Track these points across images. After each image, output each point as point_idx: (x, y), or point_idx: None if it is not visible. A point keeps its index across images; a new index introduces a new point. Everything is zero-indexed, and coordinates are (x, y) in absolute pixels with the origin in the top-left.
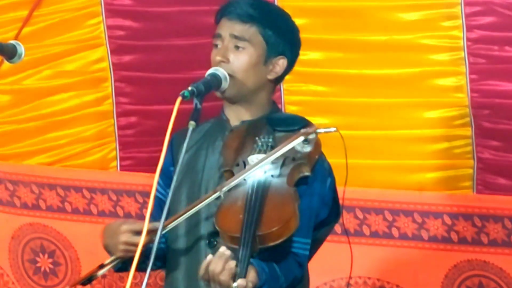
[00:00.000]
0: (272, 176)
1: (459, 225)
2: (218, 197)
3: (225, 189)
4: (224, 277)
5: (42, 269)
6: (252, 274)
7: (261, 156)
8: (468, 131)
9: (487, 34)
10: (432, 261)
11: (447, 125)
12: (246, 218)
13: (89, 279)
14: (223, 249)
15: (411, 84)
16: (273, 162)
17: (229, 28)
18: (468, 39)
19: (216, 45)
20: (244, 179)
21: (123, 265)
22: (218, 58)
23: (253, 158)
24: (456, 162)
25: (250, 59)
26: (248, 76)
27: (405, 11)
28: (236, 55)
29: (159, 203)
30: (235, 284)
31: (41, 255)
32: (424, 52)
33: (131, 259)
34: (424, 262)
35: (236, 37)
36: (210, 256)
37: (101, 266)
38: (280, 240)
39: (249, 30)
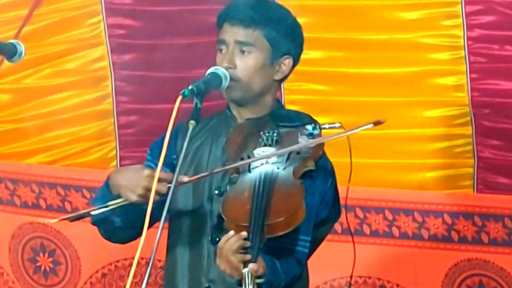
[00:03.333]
0: (278, 168)
1: (459, 224)
2: (222, 193)
3: (233, 166)
4: (235, 257)
5: (42, 268)
6: (261, 261)
7: (267, 149)
8: (469, 130)
9: (488, 33)
10: (432, 260)
11: (448, 124)
12: (254, 208)
13: (82, 217)
14: (244, 233)
15: (412, 83)
16: (278, 156)
17: (232, 33)
18: (469, 38)
19: (220, 50)
20: (250, 171)
21: (101, 214)
22: (225, 64)
23: (259, 151)
24: (456, 161)
25: (256, 62)
26: (255, 80)
27: (405, 10)
28: (242, 60)
29: None
30: (246, 269)
31: (41, 254)
32: (424, 51)
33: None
34: (425, 261)
35: (240, 42)
36: (232, 232)
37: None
38: (287, 230)
39: (253, 34)
